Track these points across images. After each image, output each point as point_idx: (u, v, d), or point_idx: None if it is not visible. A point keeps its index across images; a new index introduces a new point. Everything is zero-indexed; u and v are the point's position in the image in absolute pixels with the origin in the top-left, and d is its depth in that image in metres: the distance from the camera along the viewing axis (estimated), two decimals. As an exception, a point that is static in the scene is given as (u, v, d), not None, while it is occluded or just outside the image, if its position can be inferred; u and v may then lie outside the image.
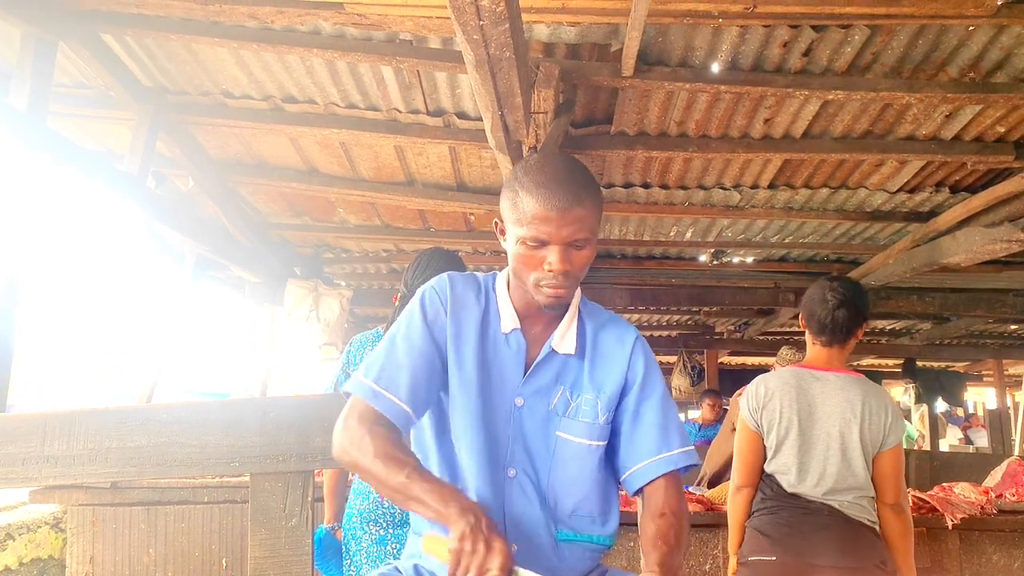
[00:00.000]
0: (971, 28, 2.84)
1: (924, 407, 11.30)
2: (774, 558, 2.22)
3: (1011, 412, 10.46)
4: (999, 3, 2.57)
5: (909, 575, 2.31)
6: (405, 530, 2.23)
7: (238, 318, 7.09)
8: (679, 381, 8.96)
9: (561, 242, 1.29)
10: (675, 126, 3.68)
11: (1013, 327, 8.74)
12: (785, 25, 2.87)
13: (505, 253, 1.38)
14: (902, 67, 3.12)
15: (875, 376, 9.92)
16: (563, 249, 1.29)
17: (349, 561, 2.32)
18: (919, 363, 10.62)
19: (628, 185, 4.47)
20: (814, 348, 2.42)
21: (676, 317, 8.65)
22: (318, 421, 1.56)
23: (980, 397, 15.62)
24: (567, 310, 1.43)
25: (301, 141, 4.12)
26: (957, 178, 4.26)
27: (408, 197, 4.64)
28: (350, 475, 2.60)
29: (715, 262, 6.07)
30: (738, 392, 4.47)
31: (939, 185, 4.34)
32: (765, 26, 2.87)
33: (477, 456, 1.36)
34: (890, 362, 11.47)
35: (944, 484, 3.68)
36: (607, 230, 5.33)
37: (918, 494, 3.51)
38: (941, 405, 11.48)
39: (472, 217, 5.25)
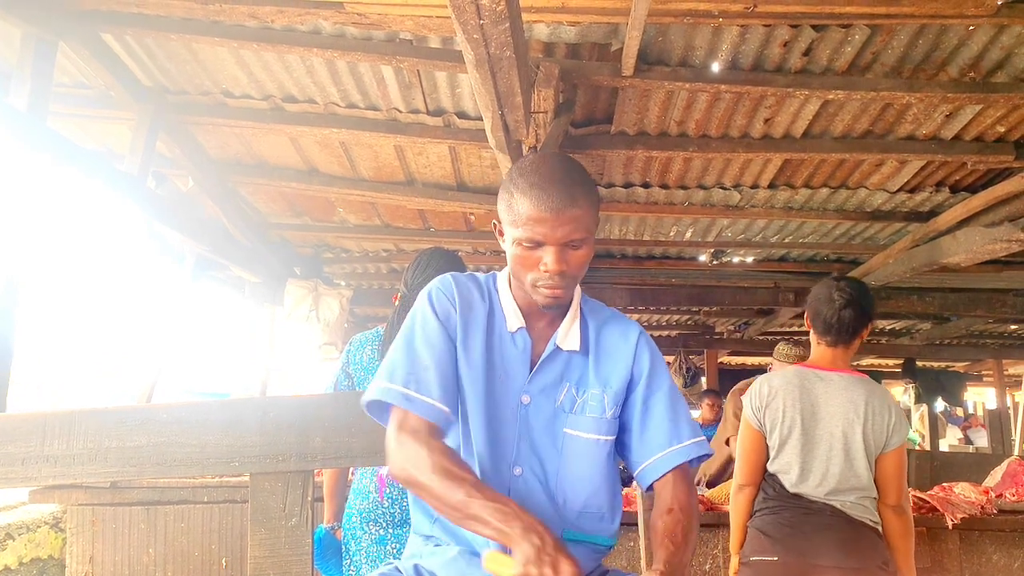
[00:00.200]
0: (971, 28, 2.84)
1: (924, 407, 11.30)
2: (776, 558, 2.22)
3: (1011, 412, 10.45)
4: (999, 3, 2.57)
5: (909, 575, 2.32)
6: (405, 530, 2.23)
7: (238, 318, 7.08)
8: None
9: (556, 243, 1.29)
10: (675, 126, 3.68)
11: (1013, 327, 8.74)
12: (785, 25, 2.87)
13: (505, 253, 1.38)
14: (902, 67, 3.12)
15: (875, 376, 9.87)
16: (559, 250, 1.29)
17: (349, 561, 2.32)
18: (919, 363, 10.62)
19: (628, 185, 4.47)
20: (819, 348, 2.41)
21: (676, 317, 8.64)
22: (318, 421, 1.56)
23: (980, 397, 15.62)
24: (568, 309, 1.44)
25: (301, 141, 4.12)
26: (957, 178, 4.26)
27: (408, 197, 4.64)
28: (349, 475, 2.60)
29: (715, 262, 6.06)
30: (734, 389, 4.48)
31: (939, 185, 4.34)
32: (765, 26, 2.87)
33: (483, 454, 1.35)
34: (890, 362, 11.47)
35: (944, 484, 3.68)
36: (607, 230, 5.33)
37: (918, 494, 3.51)
38: (940, 405, 11.48)
39: (472, 217, 5.24)
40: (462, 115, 3.68)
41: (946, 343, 9.36)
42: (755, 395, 2.40)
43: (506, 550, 1.17)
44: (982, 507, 3.45)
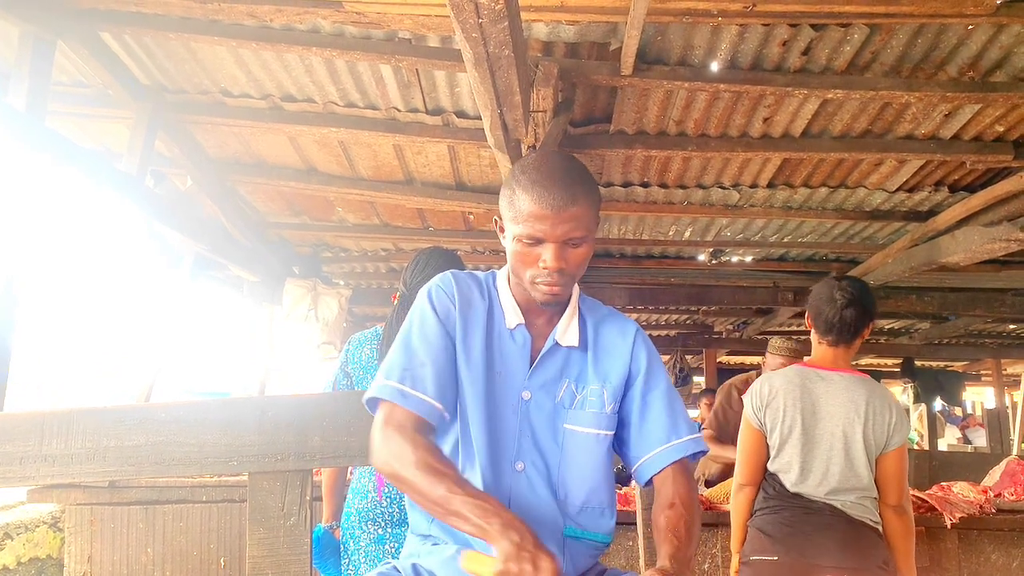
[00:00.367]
0: (970, 27, 2.84)
1: (922, 407, 11.31)
2: (776, 558, 2.22)
3: (1009, 412, 10.47)
4: (998, 2, 2.57)
5: (909, 575, 2.32)
6: (403, 529, 2.23)
7: (237, 317, 7.07)
8: (664, 379, 8.98)
9: (556, 240, 1.30)
10: (674, 125, 3.68)
11: (1012, 327, 8.75)
12: (784, 24, 2.87)
13: (504, 252, 1.39)
14: (901, 66, 3.12)
15: (874, 376, 9.89)
16: (558, 247, 1.30)
17: (347, 560, 2.32)
18: (918, 362, 10.64)
19: (627, 184, 4.47)
20: (820, 347, 2.41)
21: (675, 316, 8.65)
22: (316, 420, 1.55)
23: (978, 396, 15.64)
24: (566, 306, 1.45)
25: (300, 140, 4.12)
26: (956, 177, 4.26)
27: (407, 196, 4.64)
28: (348, 474, 2.60)
29: (714, 261, 6.06)
30: (728, 383, 4.49)
31: (938, 184, 4.35)
32: (764, 25, 2.87)
33: (484, 450, 1.36)
34: (889, 361, 11.49)
35: (942, 483, 3.69)
36: (606, 229, 5.33)
37: (917, 493, 3.51)
38: (939, 404, 11.49)
39: (471, 216, 5.24)
40: (461, 114, 3.67)
41: (945, 343, 9.37)
42: (756, 394, 2.39)
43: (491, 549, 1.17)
44: (981, 506, 3.45)
